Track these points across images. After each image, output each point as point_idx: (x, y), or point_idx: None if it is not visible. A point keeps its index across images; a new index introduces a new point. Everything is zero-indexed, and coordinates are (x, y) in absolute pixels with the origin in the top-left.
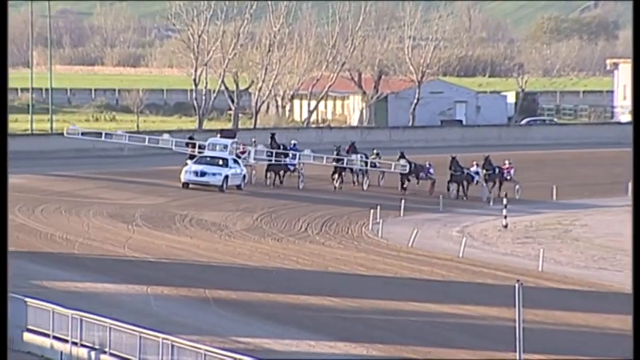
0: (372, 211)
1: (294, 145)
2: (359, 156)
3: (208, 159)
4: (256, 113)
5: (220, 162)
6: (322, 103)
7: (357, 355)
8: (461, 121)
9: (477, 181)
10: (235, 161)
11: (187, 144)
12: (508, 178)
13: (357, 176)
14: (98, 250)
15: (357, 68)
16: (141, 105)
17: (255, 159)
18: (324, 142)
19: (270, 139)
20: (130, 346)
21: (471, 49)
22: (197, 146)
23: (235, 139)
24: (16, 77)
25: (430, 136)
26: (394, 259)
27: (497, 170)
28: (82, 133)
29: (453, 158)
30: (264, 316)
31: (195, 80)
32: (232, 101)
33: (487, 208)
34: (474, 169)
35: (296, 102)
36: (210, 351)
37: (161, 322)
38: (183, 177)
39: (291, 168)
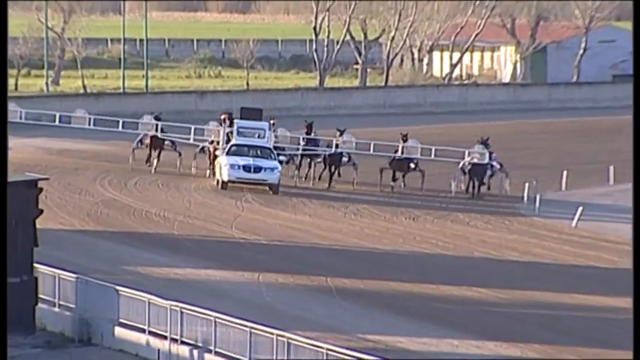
0: (526, 184)
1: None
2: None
3: (246, 149)
4: (388, 68)
5: (266, 153)
6: (467, 55)
7: (509, 356)
8: None
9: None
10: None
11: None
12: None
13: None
14: (201, 230)
15: (509, 13)
16: (251, 58)
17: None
18: (469, 102)
19: (306, 127)
20: (239, 344)
21: None
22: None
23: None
24: (105, 26)
25: (599, 95)
26: (553, 241)
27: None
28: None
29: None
30: (396, 310)
31: (315, 29)
32: (359, 54)
33: None
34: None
35: (435, 54)
36: (332, 350)
37: (275, 316)
38: (226, 174)
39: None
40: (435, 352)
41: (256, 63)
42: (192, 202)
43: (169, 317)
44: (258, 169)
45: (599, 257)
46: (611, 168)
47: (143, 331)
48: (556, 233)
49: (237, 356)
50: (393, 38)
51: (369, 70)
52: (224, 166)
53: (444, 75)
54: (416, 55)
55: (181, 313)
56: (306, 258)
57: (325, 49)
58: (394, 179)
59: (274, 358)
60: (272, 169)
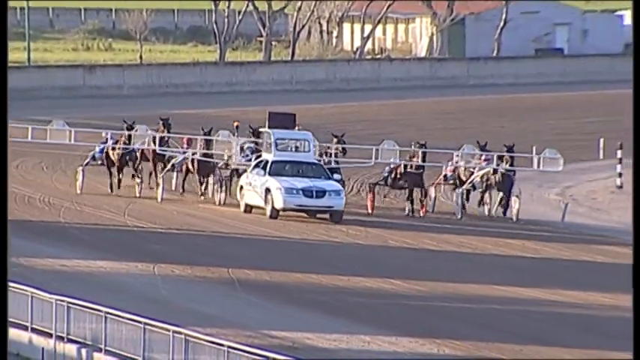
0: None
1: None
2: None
3: (292, 167)
4: (295, 41)
5: (318, 171)
6: (380, 27)
7: (425, 354)
8: (562, 50)
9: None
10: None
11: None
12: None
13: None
14: (91, 217)
15: None
16: (145, 30)
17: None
18: (382, 79)
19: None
20: (132, 341)
21: None
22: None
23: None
24: None
25: (521, 70)
26: (472, 230)
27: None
28: None
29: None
30: (304, 304)
31: None
32: (263, 26)
33: (597, 162)
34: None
35: (346, 26)
36: (234, 347)
37: (171, 311)
38: (281, 200)
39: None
40: (345, 348)
41: (150, 35)
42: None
43: (55, 313)
44: (321, 194)
45: (522, 246)
46: (534, 149)
47: (25, 328)
48: (475, 220)
49: (130, 355)
50: (299, 9)
51: (274, 43)
52: (276, 190)
53: (354, 49)
54: (325, 28)
55: (68, 308)
56: (206, 248)
57: (226, 20)
58: (411, 199)
59: (170, 356)
60: (337, 193)
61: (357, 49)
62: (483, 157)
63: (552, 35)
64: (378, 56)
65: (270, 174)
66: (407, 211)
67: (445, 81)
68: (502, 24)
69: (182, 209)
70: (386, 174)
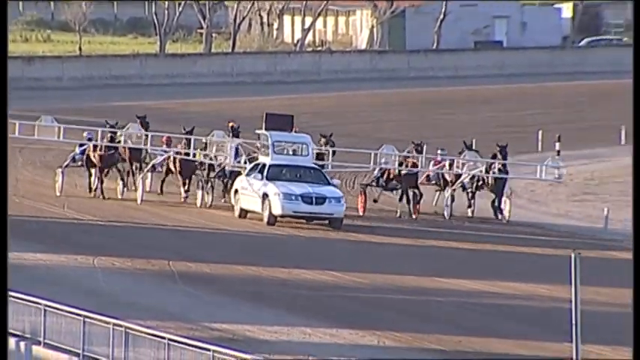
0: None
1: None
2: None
3: (290, 172)
4: (235, 33)
5: (317, 176)
6: (320, 19)
7: (366, 345)
8: (501, 43)
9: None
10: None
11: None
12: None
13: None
14: (29, 209)
15: None
16: (84, 21)
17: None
18: (323, 71)
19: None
20: (72, 334)
21: None
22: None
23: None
24: None
25: (460, 63)
26: (412, 221)
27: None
28: None
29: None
30: (245, 296)
31: None
32: (204, 17)
33: (535, 154)
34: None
35: (286, 18)
36: (174, 340)
37: (112, 304)
38: (279, 206)
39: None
40: (285, 340)
41: (90, 26)
42: (18, 180)
43: None
44: (321, 200)
45: (462, 238)
46: (474, 141)
47: None
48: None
49: (70, 348)
50: (240, 1)
51: (214, 35)
52: (274, 196)
53: (295, 41)
54: (265, 20)
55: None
56: (146, 240)
57: (166, 11)
58: (407, 199)
59: (111, 349)
60: (338, 200)
61: (298, 41)
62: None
63: (491, 28)
64: (319, 48)
65: (267, 178)
66: (399, 214)
67: (385, 73)
68: (442, 17)
69: (123, 202)
70: (377, 174)
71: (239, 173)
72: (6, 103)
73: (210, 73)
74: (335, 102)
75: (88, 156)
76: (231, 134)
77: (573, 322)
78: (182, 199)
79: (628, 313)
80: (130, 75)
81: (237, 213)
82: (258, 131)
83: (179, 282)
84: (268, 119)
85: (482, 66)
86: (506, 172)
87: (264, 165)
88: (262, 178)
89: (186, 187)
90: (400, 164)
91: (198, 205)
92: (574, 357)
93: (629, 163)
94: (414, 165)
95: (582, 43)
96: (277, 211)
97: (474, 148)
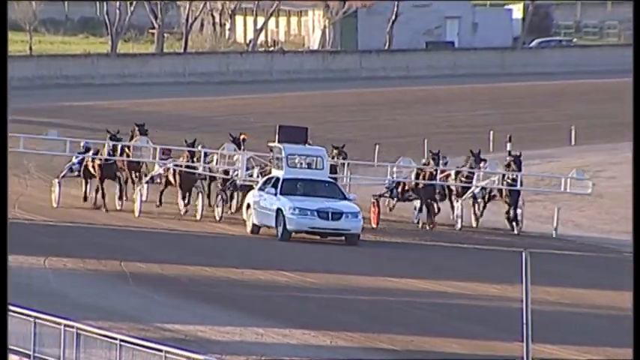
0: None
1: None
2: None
3: (305, 186)
4: (187, 33)
5: (333, 190)
6: (272, 20)
7: (318, 346)
8: (452, 43)
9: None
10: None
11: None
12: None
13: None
14: None
15: None
16: (34, 20)
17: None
18: (275, 71)
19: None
20: (22, 336)
21: None
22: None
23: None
24: None
25: (412, 63)
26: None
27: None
28: None
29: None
30: (197, 297)
31: None
32: (155, 17)
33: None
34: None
35: (238, 19)
36: (126, 341)
37: (63, 305)
38: (294, 222)
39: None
40: (238, 341)
41: (40, 25)
42: None
43: None
44: (337, 216)
45: (412, 237)
46: (426, 142)
47: None
48: (365, 212)
49: (21, 349)
50: (192, 0)
51: (166, 35)
52: (288, 211)
53: (247, 41)
54: (217, 20)
55: None
56: (98, 241)
57: (117, 11)
58: (427, 211)
59: (62, 350)
60: (355, 215)
61: (250, 41)
62: (483, 165)
63: (443, 28)
64: (271, 49)
65: (281, 193)
66: (420, 224)
67: (338, 74)
68: (394, 17)
69: (74, 202)
70: (390, 185)
71: (251, 187)
72: (6, 104)
73: (162, 73)
74: (287, 102)
75: (86, 166)
76: (243, 148)
77: (524, 321)
78: (182, 213)
79: (577, 313)
80: (82, 75)
81: (249, 229)
82: (270, 144)
83: (131, 283)
84: (281, 131)
85: (434, 66)
86: (520, 183)
87: (277, 179)
88: (276, 193)
89: (185, 200)
90: (417, 176)
91: (198, 217)
92: (524, 356)
93: (579, 163)
94: (432, 176)
95: (533, 44)
96: (292, 226)
97: (480, 156)
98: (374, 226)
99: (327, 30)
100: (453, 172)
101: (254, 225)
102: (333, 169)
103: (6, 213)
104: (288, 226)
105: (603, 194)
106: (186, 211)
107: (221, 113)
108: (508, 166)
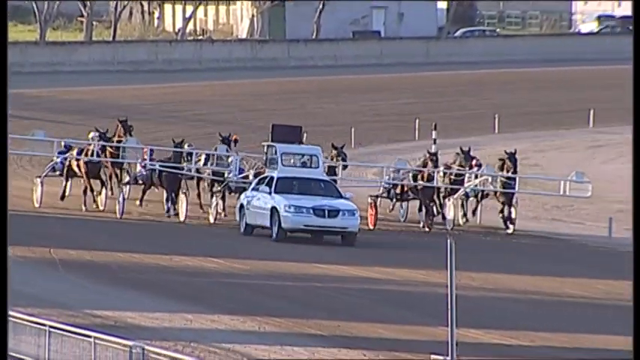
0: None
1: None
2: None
3: (300, 184)
4: (116, 22)
5: (329, 189)
6: (201, 8)
7: (246, 330)
8: (379, 33)
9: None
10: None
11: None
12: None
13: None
14: None
15: None
16: None
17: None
18: (204, 60)
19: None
20: None
21: None
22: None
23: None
24: None
25: (340, 52)
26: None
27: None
28: None
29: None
30: (126, 283)
31: None
32: (84, 5)
33: (412, 143)
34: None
35: (167, 7)
36: (55, 327)
37: None
38: (289, 220)
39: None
40: (167, 327)
41: None
42: None
43: None
44: (334, 213)
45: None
46: (352, 129)
47: None
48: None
49: None
50: None
51: (95, 23)
52: (283, 210)
53: (176, 30)
54: (146, 8)
55: None
56: (27, 227)
57: None
58: (426, 212)
59: None
60: (352, 213)
61: (179, 30)
62: (474, 162)
63: (369, 18)
64: (200, 37)
65: (275, 192)
66: (422, 224)
67: (266, 62)
68: (321, 7)
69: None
70: (387, 186)
71: (244, 189)
72: (6, 103)
73: (91, 61)
74: (216, 91)
75: (70, 165)
76: (235, 148)
77: (448, 306)
78: (167, 215)
79: (500, 297)
80: (10, 63)
81: (242, 229)
82: (264, 143)
83: (60, 269)
84: (275, 130)
85: (361, 55)
86: (515, 181)
87: (271, 178)
88: (270, 192)
89: (169, 202)
90: (414, 177)
91: (182, 219)
92: (449, 340)
93: (501, 151)
94: (430, 177)
95: (457, 33)
96: (287, 225)
97: (470, 153)
98: (371, 227)
99: (255, 19)
100: (441, 172)
101: (247, 225)
102: (332, 170)
103: (6, 213)
104: (283, 225)
105: (527, 182)
106: (175, 214)
107: (150, 101)
108: (502, 164)
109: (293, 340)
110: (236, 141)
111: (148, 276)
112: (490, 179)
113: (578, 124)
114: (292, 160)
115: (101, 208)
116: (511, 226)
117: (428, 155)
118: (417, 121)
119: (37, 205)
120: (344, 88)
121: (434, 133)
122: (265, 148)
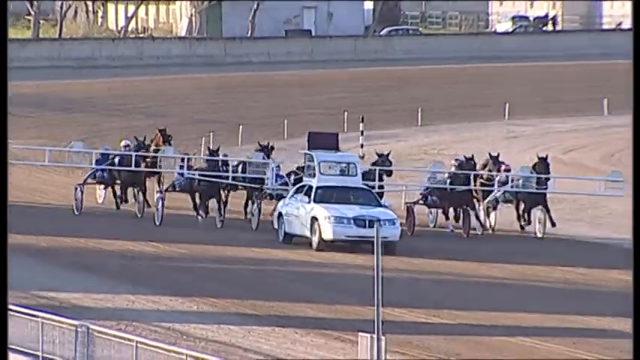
0: (203, 139)
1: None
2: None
3: (340, 194)
4: (62, 20)
5: (368, 198)
6: (143, 7)
7: (185, 310)
8: (310, 31)
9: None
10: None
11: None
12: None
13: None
14: None
15: None
16: None
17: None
18: (145, 56)
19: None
20: None
21: None
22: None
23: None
24: None
25: (273, 50)
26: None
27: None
28: None
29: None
30: (72, 266)
31: None
32: (31, 4)
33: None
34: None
35: (110, 6)
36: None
37: None
38: (330, 230)
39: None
40: (111, 307)
41: None
42: None
43: None
44: (374, 223)
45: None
46: (286, 122)
47: None
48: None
49: None
50: None
51: (41, 21)
52: (324, 220)
53: (119, 28)
54: (90, 7)
55: None
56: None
57: None
58: (463, 217)
59: None
60: (392, 222)
61: (122, 28)
62: (503, 168)
63: (301, 17)
64: (141, 35)
65: (315, 201)
66: (463, 231)
67: (204, 59)
68: (255, 6)
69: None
70: (424, 192)
71: (282, 196)
72: (6, 104)
73: (38, 57)
74: (156, 86)
75: (111, 172)
76: (271, 156)
77: (375, 288)
78: (199, 221)
79: (425, 279)
80: None
81: (280, 238)
82: (302, 151)
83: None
84: (312, 138)
85: (293, 52)
86: (546, 185)
87: (310, 187)
88: (310, 201)
89: (201, 210)
90: (451, 182)
91: (219, 226)
92: (375, 319)
93: (424, 142)
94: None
95: (383, 32)
96: (328, 235)
97: (498, 158)
98: (409, 234)
99: (193, 18)
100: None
101: (286, 234)
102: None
103: (6, 213)
104: (324, 235)
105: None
106: (203, 217)
107: (95, 96)
108: (534, 166)
109: (230, 320)
110: (272, 148)
111: (92, 259)
112: (521, 182)
113: (495, 117)
114: (330, 169)
115: (99, 201)
116: (543, 229)
117: (457, 162)
118: (346, 114)
119: (76, 213)
120: (277, 83)
121: (361, 125)
122: (304, 155)
